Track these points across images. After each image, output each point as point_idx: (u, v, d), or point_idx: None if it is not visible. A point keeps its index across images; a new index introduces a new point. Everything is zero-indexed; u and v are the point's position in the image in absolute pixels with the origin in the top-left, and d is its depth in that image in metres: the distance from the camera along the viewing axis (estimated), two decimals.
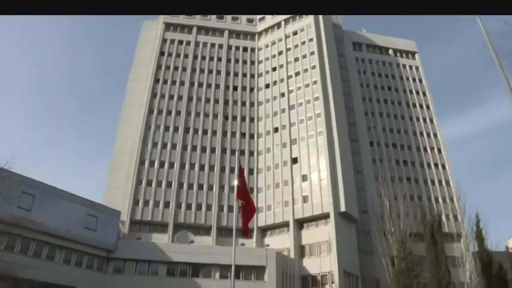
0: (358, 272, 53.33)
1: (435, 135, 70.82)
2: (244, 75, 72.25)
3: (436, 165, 67.40)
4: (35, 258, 37.03)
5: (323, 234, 53.14)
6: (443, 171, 66.82)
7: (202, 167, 62.09)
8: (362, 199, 59.56)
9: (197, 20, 75.53)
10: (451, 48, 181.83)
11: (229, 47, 74.81)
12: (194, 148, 63.48)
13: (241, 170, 20.02)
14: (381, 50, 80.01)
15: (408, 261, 41.99)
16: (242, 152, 64.18)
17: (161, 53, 71.40)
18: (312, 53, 68.27)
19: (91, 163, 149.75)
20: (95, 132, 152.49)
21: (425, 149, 68.82)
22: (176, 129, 64.50)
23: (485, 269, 44.35)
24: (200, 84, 69.68)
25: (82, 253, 42.09)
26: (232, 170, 60.69)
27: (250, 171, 62.04)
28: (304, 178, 58.49)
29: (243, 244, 52.61)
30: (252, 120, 67.85)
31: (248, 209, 19.38)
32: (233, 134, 66.13)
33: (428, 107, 74.02)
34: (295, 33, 72.70)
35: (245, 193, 19.60)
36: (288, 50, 71.81)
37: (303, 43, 70.37)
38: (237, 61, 73.56)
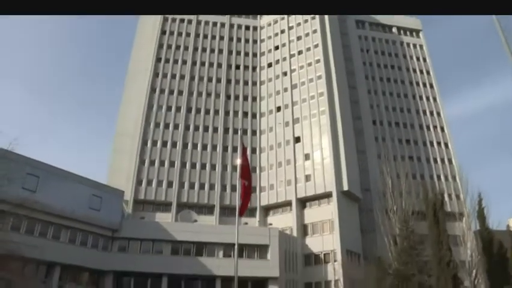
0: (360, 250, 53.81)
1: (438, 114, 70.60)
2: (247, 54, 71.78)
3: (439, 143, 67.39)
4: (41, 238, 37.47)
5: (326, 213, 53.50)
6: (445, 150, 66.84)
7: (204, 147, 62.21)
8: (364, 178, 59.70)
9: None
10: (456, 26, 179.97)
11: (231, 26, 74.17)
12: (196, 128, 63.49)
13: (244, 150, 19.97)
14: (384, 28, 79.22)
15: (410, 240, 42.03)
16: (244, 132, 64.17)
17: (163, 32, 70.83)
18: (314, 32, 67.67)
19: (93, 144, 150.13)
20: (96, 113, 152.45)
21: (428, 128, 68.72)
22: (178, 109, 64.41)
23: (486, 248, 44.48)
24: (202, 63, 69.33)
25: (87, 233, 42.51)
26: (234, 149, 60.75)
27: (253, 151, 62.18)
28: (306, 157, 58.59)
29: (246, 223, 52.99)
30: (254, 99, 67.65)
31: (248, 188, 19.37)
32: (235, 113, 66.04)
33: (431, 86, 73.60)
34: None
35: (247, 172, 19.59)
36: (290, 28, 71.16)
37: (306, 21, 69.67)
38: (239, 40, 73.01)
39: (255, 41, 73.33)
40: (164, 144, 61.23)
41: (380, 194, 53.67)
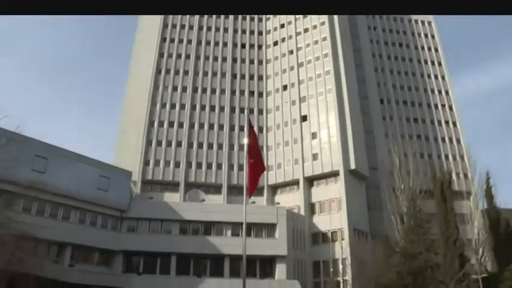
0: (368, 229, 54.11)
1: (446, 93, 70.06)
2: (252, 32, 71.17)
3: (447, 122, 67.07)
4: (51, 219, 37.87)
5: (333, 191, 53.70)
6: (454, 129, 66.54)
7: (211, 126, 62.23)
8: (371, 156, 59.63)
9: None
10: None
11: None
12: (203, 107, 63.41)
13: (251, 128, 19.82)
14: None
15: (418, 218, 42.21)
16: (251, 111, 64.08)
17: None
18: None
19: (100, 125, 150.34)
20: (102, 94, 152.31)
21: (436, 107, 68.33)
22: (184, 88, 64.24)
23: (493, 226, 44.70)
24: (207, 43, 68.86)
25: (96, 213, 42.88)
26: (241, 128, 60.70)
27: (260, 130, 62.16)
28: (313, 136, 58.56)
29: (254, 202, 53.12)
30: (260, 78, 67.34)
31: (257, 168, 19.25)
32: (242, 92, 65.82)
33: (440, 64, 72.88)
34: None
35: (256, 151, 19.47)
36: None
37: None
38: (244, 18, 72.28)
39: (260, 19, 72.60)
40: (171, 124, 61.28)
41: (387, 172, 53.86)
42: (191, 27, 69.46)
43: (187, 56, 66.94)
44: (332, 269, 49.19)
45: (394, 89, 68.60)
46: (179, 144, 60.11)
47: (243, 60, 68.55)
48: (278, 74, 66.29)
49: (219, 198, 57.08)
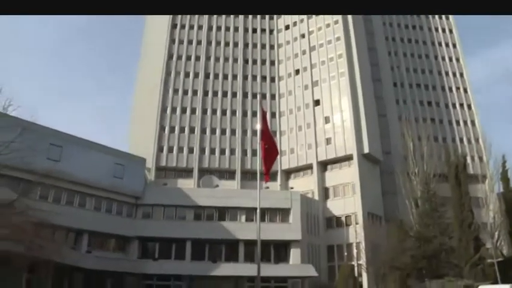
0: (382, 212, 54.07)
1: (461, 75, 69.08)
2: (263, 16, 70.66)
3: (462, 105, 66.27)
4: (67, 206, 38.35)
5: (347, 176, 53.67)
6: (468, 112, 65.74)
7: (224, 112, 62.28)
8: (385, 140, 59.34)
9: None
10: None
11: None
12: (215, 93, 63.42)
13: (263, 113, 19.82)
14: None
15: (432, 202, 42.08)
16: (264, 96, 63.99)
17: None
18: None
19: (113, 113, 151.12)
20: (115, 81, 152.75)
21: (451, 89, 67.49)
22: (196, 74, 64.25)
23: (509, 210, 44.43)
24: (218, 28, 68.56)
25: (112, 200, 43.34)
26: (254, 113, 60.64)
27: (273, 115, 62.10)
28: (326, 120, 58.33)
29: (268, 187, 53.28)
30: (272, 63, 67.05)
31: (272, 152, 19.31)
32: (254, 77, 65.65)
33: (454, 46, 71.81)
34: None
35: (268, 136, 19.51)
36: None
37: None
38: None
39: None
40: (183, 110, 61.46)
41: (401, 156, 53.63)
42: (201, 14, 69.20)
43: (199, 42, 66.80)
44: (346, 253, 49.34)
45: (407, 72, 67.88)
46: (192, 130, 60.33)
47: (254, 45, 68.25)
48: (290, 59, 65.91)
49: (232, 183, 57.36)
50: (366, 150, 54.15)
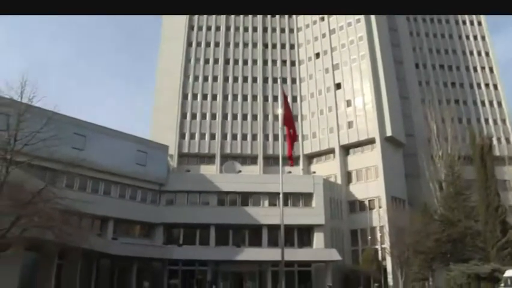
0: (405, 196, 53.60)
1: (486, 54, 67.22)
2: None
3: (487, 85, 64.59)
4: (93, 194, 39.04)
5: (369, 159, 53.27)
6: (494, 92, 64.09)
7: (245, 97, 62.28)
8: (408, 123, 58.57)
9: None
10: None
11: None
12: (235, 79, 63.39)
13: (285, 98, 19.79)
14: None
15: (457, 185, 41.60)
16: (284, 80, 63.65)
17: None
18: None
19: (134, 101, 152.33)
20: (135, 69, 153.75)
21: (475, 69, 65.72)
22: (216, 60, 64.26)
23: None
24: (237, 13, 68.15)
25: (136, 188, 44.00)
26: (275, 98, 60.43)
27: (294, 99, 61.80)
28: (348, 103, 57.83)
29: (290, 172, 53.27)
30: (292, 47, 66.54)
31: (294, 137, 19.34)
32: (274, 62, 65.33)
33: (479, 23, 69.84)
34: None
35: (290, 120, 19.49)
36: None
37: None
38: None
39: None
40: (204, 97, 61.67)
41: (424, 139, 53.01)
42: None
43: (217, 28, 66.66)
44: (369, 237, 49.22)
45: (430, 53, 66.47)
46: (213, 116, 60.56)
47: (273, 30, 67.80)
48: (310, 42, 65.29)
49: (255, 168, 57.54)
50: (388, 133, 53.57)
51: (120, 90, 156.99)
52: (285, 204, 45.07)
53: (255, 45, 66.04)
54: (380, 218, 48.22)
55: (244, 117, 61.00)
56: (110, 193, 41.73)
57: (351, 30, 61.08)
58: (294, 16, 68.40)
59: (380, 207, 49.81)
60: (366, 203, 51.96)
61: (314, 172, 55.64)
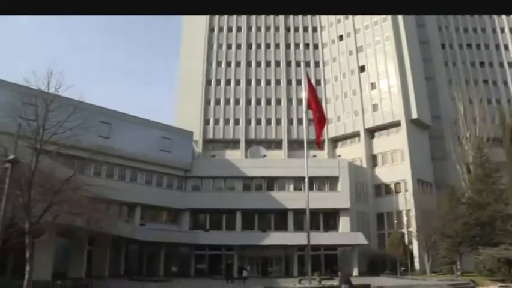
0: (432, 179, 52.88)
1: None
2: None
3: None
4: (120, 181, 39.95)
5: (395, 142, 52.62)
6: None
7: (268, 82, 62.01)
8: (434, 105, 57.46)
9: None
10: None
11: None
12: (258, 64, 63.11)
13: (309, 81, 19.65)
14: None
15: (485, 168, 40.78)
16: (307, 63, 63.14)
17: None
18: None
19: (159, 87, 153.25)
20: (157, 56, 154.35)
21: (506, 47, 63.05)
22: (238, 46, 64.03)
23: None
24: None
25: (162, 174, 44.70)
26: (298, 82, 60.11)
27: (317, 82, 61.16)
28: (373, 86, 57.04)
29: (315, 156, 53.05)
30: (314, 29, 65.76)
31: (321, 120, 19.21)
32: (296, 45, 64.71)
33: None
34: None
35: (317, 103, 19.33)
36: None
37: None
38: None
39: None
40: (227, 82, 61.66)
41: (451, 121, 52.02)
42: None
43: (239, 14, 66.23)
44: (396, 221, 48.78)
45: (457, 32, 64.63)
46: (237, 101, 60.55)
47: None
48: (333, 24, 64.38)
49: (279, 153, 57.51)
50: (414, 115, 52.72)
51: (144, 78, 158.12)
52: (311, 188, 44.72)
53: (277, 28, 65.52)
54: (406, 201, 47.78)
55: (268, 101, 60.81)
56: (136, 180, 42.49)
57: None
58: None
59: (406, 190, 49.31)
60: (392, 186, 51.47)
61: (339, 156, 55.23)
